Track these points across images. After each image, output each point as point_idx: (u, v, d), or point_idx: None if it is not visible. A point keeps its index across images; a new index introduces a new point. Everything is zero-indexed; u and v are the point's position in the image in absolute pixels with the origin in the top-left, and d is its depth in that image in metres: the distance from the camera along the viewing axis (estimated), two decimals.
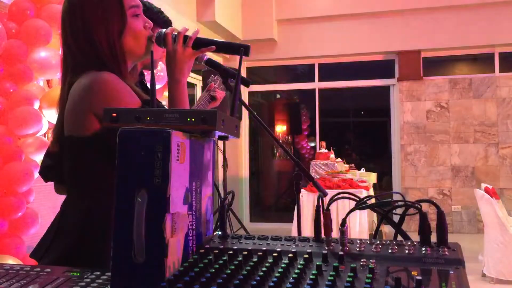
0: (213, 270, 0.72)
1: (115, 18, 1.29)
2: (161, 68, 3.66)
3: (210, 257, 0.78)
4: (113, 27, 1.28)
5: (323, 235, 0.86)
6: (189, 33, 1.36)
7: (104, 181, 1.14)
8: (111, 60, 1.28)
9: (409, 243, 0.81)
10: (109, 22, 1.28)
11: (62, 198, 1.38)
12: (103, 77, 1.22)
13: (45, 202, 3.33)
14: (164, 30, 1.37)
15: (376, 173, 7.18)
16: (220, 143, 6.27)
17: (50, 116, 3.05)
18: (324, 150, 7.17)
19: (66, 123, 1.26)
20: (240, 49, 1.23)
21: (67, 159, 1.29)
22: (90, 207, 1.21)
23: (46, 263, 1.19)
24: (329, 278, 0.68)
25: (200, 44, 1.36)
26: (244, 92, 7.88)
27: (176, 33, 1.35)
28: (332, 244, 0.83)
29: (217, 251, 0.81)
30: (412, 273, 0.70)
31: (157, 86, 3.71)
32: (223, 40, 1.50)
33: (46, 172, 1.42)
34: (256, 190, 8.99)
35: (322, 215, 0.87)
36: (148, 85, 1.49)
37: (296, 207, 2.09)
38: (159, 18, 1.95)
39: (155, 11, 1.86)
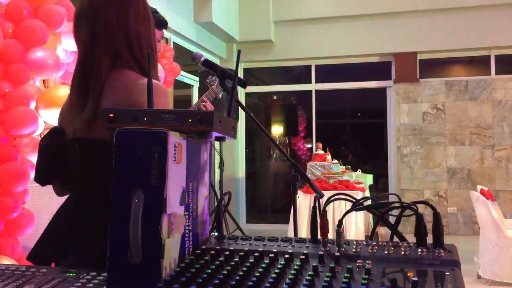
0: (210, 271, 0.72)
1: (153, 26, 1.37)
2: (159, 68, 3.65)
3: (207, 257, 0.78)
4: (153, 35, 1.36)
5: (319, 236, 0.86)
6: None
7: None
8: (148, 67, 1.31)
9: (405, 245, 0.81)
10: (150, 22, 1.35)
11: (58, 198, 1.36)
12: (162, 87, 1.26)
13: (40, 203, 3.32)
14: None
15: (372, 175, 7.19)
16: (217, 144, 6.27)
17: (46, 116, 3.04)
18: (320, 152, 7.18)
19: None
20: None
21: (88, 160, 1.24)
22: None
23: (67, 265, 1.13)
24: (325, 279, 0.68)
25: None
26: (241, 93, 7.88)
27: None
28: (328, 245, 0.83)
29: (213, 252, 0.81)
30: (408, 274, 0.71)
31: None
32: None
33: (49, 175, 1.33)
34: (252, 191, 8.99)
35: (318, 216, 0.87)
36: None
37: (292, 208, 2.09)
38: (154, 18, 1.97)
39: (151, 11, 1.86)
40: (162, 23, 2.13)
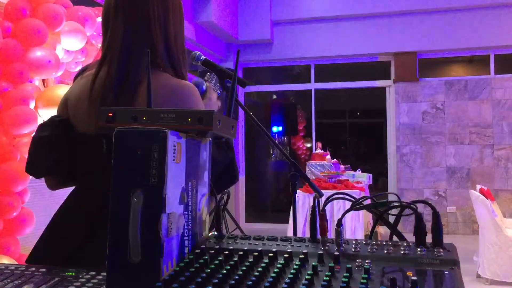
0: (209, 270, 0.72)
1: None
2: None
3: (206, 257, 0.78)
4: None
5: (318, 236, 0.86)
6: None
7: None
8: (181, 67, 1.31)
9: (405, 244, 0.81)
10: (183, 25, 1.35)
11: (58, 197, 1.34)
12: (193, 87, 1.25)
13: (40, 202, 3.32)
14: (202, 81, 1.54)
15: (371, 174, 7.19)
16: None
17: (46, 115, 3.04)
18: (320, 151, 7.18)
19: None
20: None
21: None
22: None
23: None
24: (324, 278, 0.68)
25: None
26: (240, 92, 7.88)
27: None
28: (327, 244, 0.83)
29: (212, 251, 0.81)
30: (408, 273, 0.71)
31: None
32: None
33: (53, 165, 1.25)
34: (252, 190, 8.99)
35: (318, 215, 0.87)
36: None
37: (292, 207, 2.09)
38: None
39: None
40: None
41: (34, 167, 1.26)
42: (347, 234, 4.69)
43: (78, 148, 1.23)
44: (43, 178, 1.33)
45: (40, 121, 3.02)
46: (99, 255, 0.99)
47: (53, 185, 1.32)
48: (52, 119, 1.30)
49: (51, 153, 1.24)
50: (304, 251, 0.78)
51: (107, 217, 1.14)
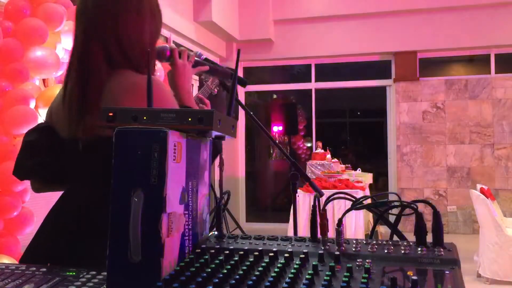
0: (209, 270, 0.72)
1: (158, 20, 1.35)
2: (159, 74, 3.67)
3: (206, 256, 0.78)
4: (157, 28, 1.34)
5: (319, 235, 0.86)
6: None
7: None
8: (143, 65, 1.29)
9: (405, 243, 0.81)
10: (156, 22, 1.34)
11: (58, 197, 1.35)
12: (157, 80, 1.23)
13: (40, 202, 3.32)
14: (166, 46, 1.47)
15: (372, 174, 7.19)
16: None
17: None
18: (320, 151, 7.18)
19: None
20: (230, 73, 1.34)
21: (92, 157, 1.23)
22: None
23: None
24: (325, 278, 0.68)
25: (197, 63, 1.52)
26: (241, 92, 7.88)
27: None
28: (328, 244, 0.83)
29: (213, 251, 0.81)
30: (408, 273, 0.71)
31: None
32: (216, 64, 1.62)
33: (32, 170, 1.31)
34: (252, 190, 8.99)
35: (318, 215, 0.87)
36: None
37: (292, 207, 2.09)
38: None
39: None
40: None
41: (18, 171, 1.32)
42: (348, 234, 4.69)
43: (60, 153, 1.29)
44: None
45: (40, 120, 3.02)
46: (87, 254, 1.01)
47: (37, 188, 1.38)
48: (38, 125, 1.38)
49: (34, 157, 1.30)
50: (304, 250, 0.78)
51: (94, 216, 1.17)
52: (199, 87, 3.27)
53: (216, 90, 2.91)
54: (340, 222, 0.83)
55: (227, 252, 0.79)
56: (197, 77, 6.72)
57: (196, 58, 1.51)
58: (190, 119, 0.79)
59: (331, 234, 0.85)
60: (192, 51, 1.56)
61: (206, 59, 1.60)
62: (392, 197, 0.95)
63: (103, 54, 1.25)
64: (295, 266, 0.73)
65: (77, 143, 1.24)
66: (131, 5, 1.28)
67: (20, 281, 0.81)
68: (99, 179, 1.20)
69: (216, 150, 1.39)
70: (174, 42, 6.19)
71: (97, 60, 1.25)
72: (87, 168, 1.25)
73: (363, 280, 0.66)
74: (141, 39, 1.29)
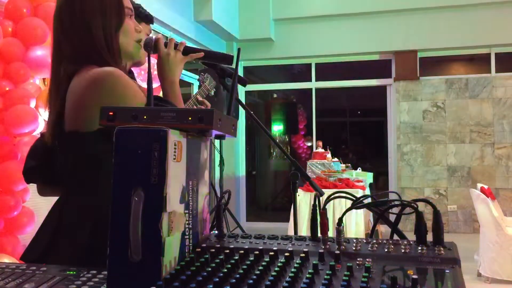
0: (210, 269, 0.72)
1: (113, 13, 1.33)
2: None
3: (207, 256, 0.78)
4: (111, 22, 1.32)
5: (319, 234, 0.86)
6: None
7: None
8: (108, 55, 1.30)
9: (405, 242, 0.81)
10: (107, 16, 1.32)
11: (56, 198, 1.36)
12: (112, 72, 1.24)
13: (40, 201, 3.32)
14: (153, 36, 1.44)
15: (372, 173, 7.19)
16: (217, 142, 6.27)
17: (46, 115, 3.04)
18: (320, 150, 7.18)
19: (69, 118, 1.25)
20: (228, 57, 1.32)
21: (67, 156, 1.27)
22: (98, 205, 1.13)
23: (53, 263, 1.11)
24: (325, 277, 0.68)
25: (190, 50, 1.48)
26: (241, 91, 7.89)
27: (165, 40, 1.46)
28: (328, 243, 0.83)
29: (213, 250, 0.81)
30: (408, 272, 0.71)
31: (154, 85, 3.73)
32: (213, 50, 1.60)
33: (31, 173, 1.40)
34: (252, 189, 9.00)
35: (318, 214, 0.87)
36: (139, 83, 1.51)
37: (292, 206, 2.09)
38: (141, 13, 2.00)
39: (135, 6, 1.88)
40: (147, 18, 2.15)
41: (24, 174, 1.42)
42: (348, 233, 4.69)
43: (51, 156, 1.34)
44: None
45: (41, 120, 3.02)
46: (78, 254, 1.03)
47: (41, 191, 1.44)
48: (43, 131, 1.47)
49: (30, 162, 1.39)
50: (304, 249, 0.78)
51: (66, 217, 1.21)
52: (198, 88, 3.27)
53: (213, 92, 2.91)
54: (340, 221, 0.83)
55: (228, 251, 0.79)
56: (195, 76, 6.72)
57: (186, 45, 1.48)
58: (190, 118, 0.79)
59: (332, 233, 0.85)
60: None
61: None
62: (392, 196, 0.95)
63: (58, 58, 1.32)
64: (296, 265, 0.73)
65: (55, 144, 1.30)
66: (74, 6, 1.31)
67: (21, 280, 0.81)
68: (73, 178, 1.26)
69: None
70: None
71: (54, 64, 1.33)
72: (64, 167, 1.30)
73: (363, 279, 0.66)
74: (90, 37, 1.30)
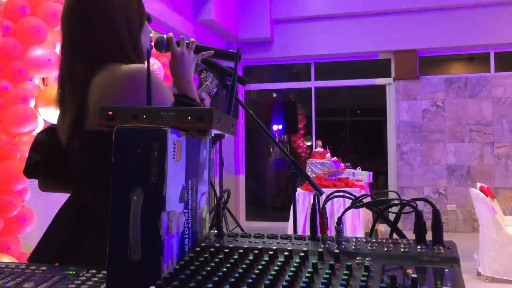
0: (209, 268, 0.72)
1: (137, 12, 1.32)
2: (157, 66, 3.66)
3: (206, 255, 0.78)
4: (135, 20, 1.31)
5: (319, 234, 0.86)
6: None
7: None
8: (133, 53, 1.28)
9: (405, 242, 0.81)
10: (131, 14, 1.30)
11: (58, 196, 1.35)
12: (141, 69, 1.21)
13: (40, 201, 3.32)
14: (164, 35, 1.43)
15: (372, 172, 7.19)
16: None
17: (46, 114, 3.04)
18: (320, 149, 7.18)
19: (94, 117, 1.17)
20: (235, 54, 1.31)
21: (88, 155, 1.23)
22: None
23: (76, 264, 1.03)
24: (324, 276, 0.68)
25: (200, 48, 1.47)
26: (241, 91, 7.89)
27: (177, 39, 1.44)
28: (328, 242, 0.83)
29: (213, 249, 0.81)
30: (408, 271, 0.71)
31: None
32: (219, 47, 1.59)
33: (35, 168, 1.35)
34: (252, 188, 8.99)
35: (318, 213, 0.87)
36: None
37: (292, 205, 2.09)
38: None
39: None
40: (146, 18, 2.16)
41: (25, 168, 1.36)
42: (347, 232, 4.69)
43: (62, 152, 1.30)
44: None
45: (40, 119, 3.02)
46: (98, 254, 1.00)
47: (41, 187, 1.40)
48: (48, 127, 1.42)
49: (34, 156, 1.34)
50: (304, 249, 0.78)
51: (98, 215, 1.17)
52: (198, 87, 3.27)
53: (215, 90, 2.91)
54: (339, 221, 0.83)
55: (227, 250, 0.79)
56: (196, 77, 6.72)
57: (197, 44, 1.47)
58: (189, 118, 0.79)
59: (331, 232, 0.85)
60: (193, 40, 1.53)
61: (205, 58, 1.59)
62: (391, 196, 0.95)
63: (73, 56, 1.27)
64: (295, 264, 0.73)
65: (74, 142, 1.25)
66: (100, 4, 1.28)
67: (20, 279, 0.81)
68: (97, 178, 1.21)
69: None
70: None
71: (67, 63, 1.28)
72: (85, 166, 1.26)
73: (362, 278, 0.66)
74: (115, 36, 1.27)
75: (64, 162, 1.30)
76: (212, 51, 1.47)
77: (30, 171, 1.35)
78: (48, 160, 1.32)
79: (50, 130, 1.37)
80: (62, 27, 1.33)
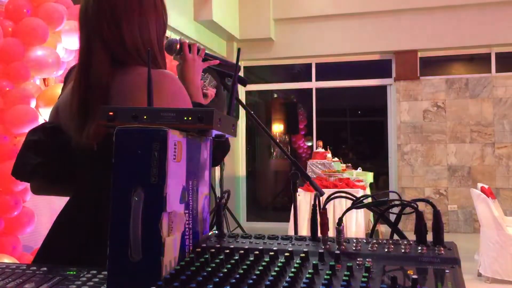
0: (210, 269, 0.72)
1: (164, 16, 1.31)
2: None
3: (207, 256, 0.78)
4: (162, 23, 1.29)
5: (319, 234, 0.86)
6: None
7: None
8: (160, 56, 1.27)
9: (405, 242, 0.81)
10: (159, 18, 1.28)
11: (58, 197, 1.34)
12: (172, 74, 1.21)
13: (41, 201, 3.32)
14: (176, 39, 1.45)
15: (372, 173, 7.19)
16: None
17: (47, 114, 3.04)
18: (321, 150, 7.18)
19: None
20: (238, 67, 1.32)
21: (107, 158, 1.19)
22: None
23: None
24: (325, 277, 0.68)
25: (207, 57, 1.51)
26: (241, 91, 7.89)
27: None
28: (328, 243, 0.83)
29: (213, 250, 0.81)
30: (408, 272, 0.71)
31: None
32: (222, 57, 1.62)
33: (35, 170, 1.25)
34: (253, 189, 8.99)
35: (318, 214, 0.87)
36: None
37: (292, 206, 2.09)
38: None
39: None
40: None
41: (19, 171, 1.28)
42: (348, 233, 4.69)
43: (65, 153, 1.24)
44: None
45: (41, 120, 3.02)
46: (94, 257, 0.98)
47: (37, 190, 1.35)
48: (43, 124, 1.32)
49: (36, 157, 1.25)
50: (305, 249, 0.78)
51: (100, 221, 1.14)
52: None
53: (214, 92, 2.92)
54: (340, 221, 0.83)
55: (228, 251, 0.79)
56: None
57: (206, 52, 1.49)
58: (190, 118, 0.79)
59: (332, 233, 0.85)
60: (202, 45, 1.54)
61: (205, 58, 1.60)
62: (392, 196, 0.95)
63: (106, 57, 1.21)
64: (296, 265, 0.73)
65: (91, 145, 1.19)
66: (132, 4, 1.24)
67: (21, 280, 0.81)
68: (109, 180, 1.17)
69: (225, 148, 1.39)
70: None
71: (100, 63, 1.21)
72: (99, 169, 1.18)
73: (363, 279, 0.66)
74: (146, 37, 1.24)
75: (68, 164, 1.24)
76: (218, 61, 1.50)
77: (29, 173, 1.27)
78: (52, 161, 1.25)
79: (49, 130, 1.29)
80: (85, 26, 1.26)
